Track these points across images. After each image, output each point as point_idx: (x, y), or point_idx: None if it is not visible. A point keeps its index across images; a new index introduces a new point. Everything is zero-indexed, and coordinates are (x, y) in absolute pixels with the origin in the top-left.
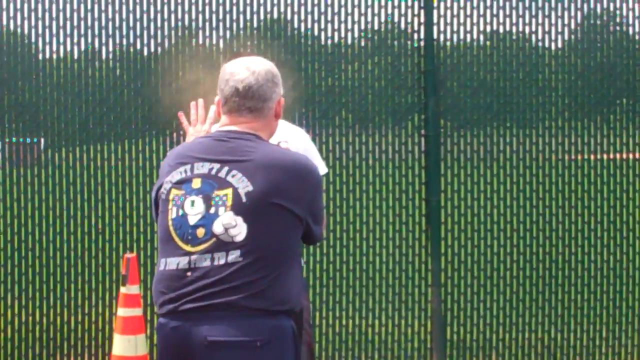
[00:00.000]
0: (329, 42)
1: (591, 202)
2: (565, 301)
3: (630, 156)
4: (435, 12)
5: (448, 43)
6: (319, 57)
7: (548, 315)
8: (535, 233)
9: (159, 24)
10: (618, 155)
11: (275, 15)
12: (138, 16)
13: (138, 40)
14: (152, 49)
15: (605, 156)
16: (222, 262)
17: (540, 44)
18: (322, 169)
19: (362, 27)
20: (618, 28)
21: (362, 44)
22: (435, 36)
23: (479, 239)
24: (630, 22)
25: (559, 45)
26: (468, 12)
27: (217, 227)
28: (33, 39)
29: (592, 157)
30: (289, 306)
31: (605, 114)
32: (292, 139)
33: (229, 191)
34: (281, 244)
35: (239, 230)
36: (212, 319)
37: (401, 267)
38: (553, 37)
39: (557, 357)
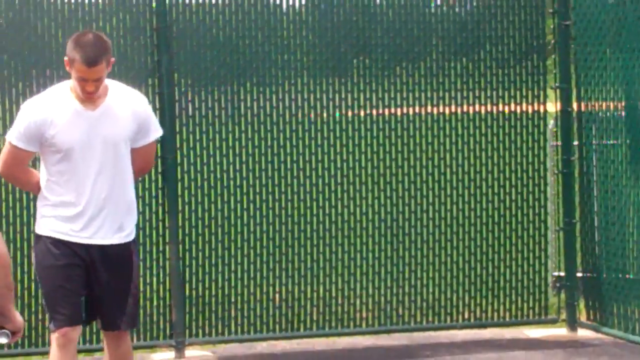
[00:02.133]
0: (66, 1)
1: (331, 163)
2: (301, 254)
3: (370, 114)
4: None
5: (187, 5)
6: (55, 17)
7: (285, 269)
8: (272, 189)
9: None
10: (355, 114)
11: None
12: None
13: None
14: None
15: (348, 113)
16: None
17: (277, 6)
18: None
19: None
20: None
21: (100, 2)
22: None
23: (215, 195)
24: None
25: (296, 6)
26: None
27: None
28: None
29: (330, 116)
30: None
31: (343, 73)
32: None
33: None
34: None
35: None
36: None
37: (139, 226)
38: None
39: (294, 309)
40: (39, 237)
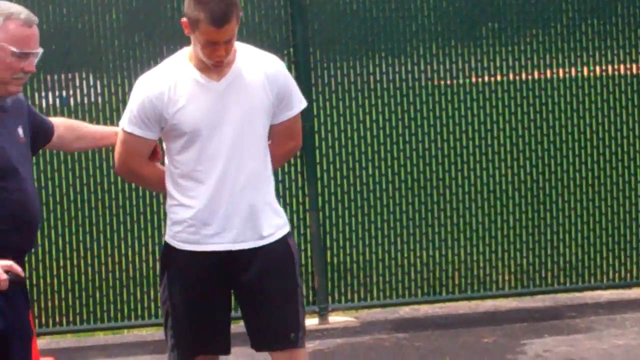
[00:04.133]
0: None
1: (468, 126)
2: (441, 218)
3: (506, 78)
4: None
5: None
6: None
7: (425, 234)
8: (410, 154)
9: None
10: (492, 79)
11: None
12: None
13: None
14: None
15: (480, 80)
16: None
17: None
18: None
19: None
20: None
21: None
22: None
23: (353, 162)
24: None
25: None
26: None
27: None
28: None
29: (466, 81)
30: None
31: (477, 39)
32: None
33: None
34: None
35: None
36: None
37: (279, 194)
38: None
39: (436, 273)
40: (168, 249)
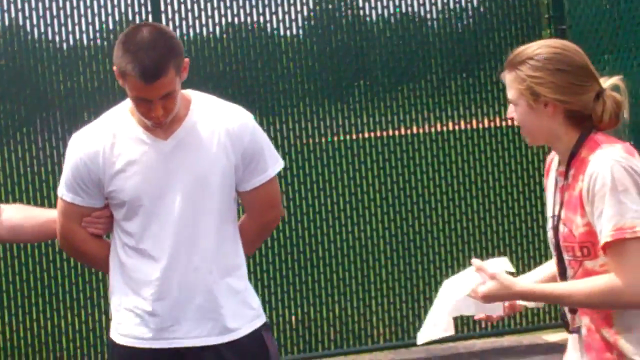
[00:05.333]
0: (64, 45)
1: (338, 182)
2: (314, 274)
3: (372, 135)
4: (162, 1)
5: (186, 37)
6: (54, 61)
7: (299, 290)
8: None
9: None
10: (360, 135)
11: (7, 22)
12: None
13: None
14: None
15: (348, 137)
16: None
17: (275, 32)
18: None
19: (97, 27)
20: (350, 12)
21: (99, 43)
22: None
23: None
24: (361, 4)
25: (294, 32)
26: (202, 6)
27: None
28: None
29: (335, 138)
30: None
31: (344, 96)
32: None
33: None
34: None
35: None
36: None
37: None
38: (287, 25)
39: (311, 329)
40: (111, 345)
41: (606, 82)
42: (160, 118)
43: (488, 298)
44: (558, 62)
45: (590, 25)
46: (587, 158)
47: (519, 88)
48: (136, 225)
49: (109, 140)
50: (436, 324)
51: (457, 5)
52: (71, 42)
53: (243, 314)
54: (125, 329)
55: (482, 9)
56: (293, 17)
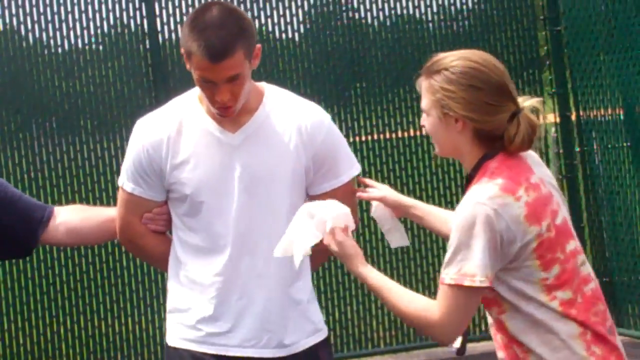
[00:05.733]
0: (59, 49)
1: None
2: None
3: (369, 138)
4: (157, 5)
5: (173, 35)
6: (50, 66)
7: None
8: None
9: None
10: (357, 138)
11: (1, 27)
12: None
13: None
14: None
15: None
16: None
17: (271, 35)
18: None
19: (92, 32)
20: (345, 14)
21: (94, 48)
22: (159, 29)
23: None
24: (356, 7)
25: (290, 35)
26: (190, 3)
27: None
28: None
29: None
30: None
31: (341, 99)
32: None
33: None
34: None
35: None
36: None
37: None
38: (283, 28)
39: None
40: (167, 349)
41: (525, 102)
42: (228, 104)
43: (338, 246)
44: (472, 78)
45: (586, 27)
46: (471, 188)
47: (432, 98)
48: (197, 222)
49: (174, 129)
50: (294, 241)
51: (453, 8)
52: (66, 46)
53: (302, 327)
54: (181, 331)
55: (477, 11)
56: (289, 20)
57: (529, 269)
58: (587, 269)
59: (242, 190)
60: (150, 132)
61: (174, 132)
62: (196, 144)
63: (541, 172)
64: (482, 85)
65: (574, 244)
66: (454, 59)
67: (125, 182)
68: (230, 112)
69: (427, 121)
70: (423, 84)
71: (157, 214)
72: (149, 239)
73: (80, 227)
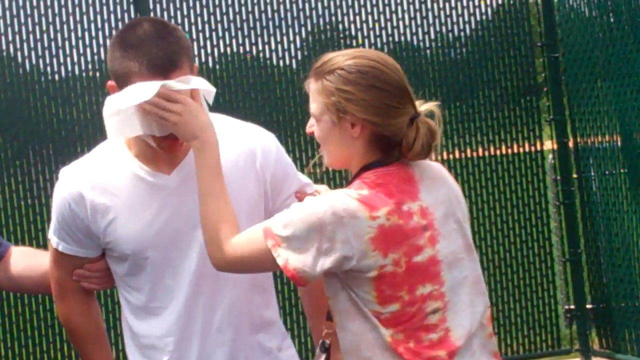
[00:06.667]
0: (56, 76)
1: None
2: None
3: None
4: None
5: None
6: (47, 92)
7: None
8: None
9: None
10: None
11: None
12: None
13: None
14: None
15: None
16: None
17: (268, 62)
18: None
19: (89, 58)
20: (342, 42)
21: (91, 74)
22: None
23: None
24: (353, 34)
25: (287, 62)
26: (194, 36)
27: None
28: None
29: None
30: None
31: None
32: None
33: None
34: None
35: None
36: None
37: None
38: (280, 55)
39: None
40: None
41: (421, 106)
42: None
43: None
44: (373, 78)
45: (583, 53)
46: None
47: (325, 101)
48: (144, 280)
49: (98, 179)
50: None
51: (450, 35)
52: (63, 73)
53: None
54: None
55: (474, 38)
56: (286, 47)
57: (365, 296)
58: (437, 318)
59: (191, 236)
60: (72, 184)
61: (99, 183)
62: (126, 194)
63: (432, 199)
64: (383, 86)
65: (430, 288)
66: (348, 57)
67: (51, 235)
68: (178, 145)
69: (317, 127)
70: (312, 87)
71: (90, 270)
72: (74, 307)
73: (19, 275)
